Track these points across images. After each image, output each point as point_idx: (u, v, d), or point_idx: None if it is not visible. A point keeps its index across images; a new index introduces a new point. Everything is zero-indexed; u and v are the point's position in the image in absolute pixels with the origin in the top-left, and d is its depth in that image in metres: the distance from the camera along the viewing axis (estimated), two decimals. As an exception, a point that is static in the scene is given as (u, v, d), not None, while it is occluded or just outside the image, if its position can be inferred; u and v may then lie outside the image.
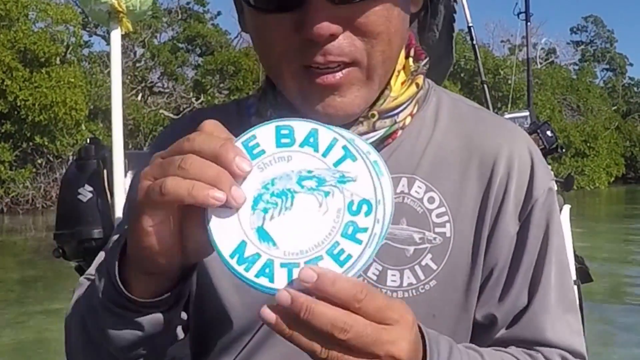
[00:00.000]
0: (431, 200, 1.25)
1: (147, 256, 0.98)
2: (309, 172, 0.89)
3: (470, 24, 5.45)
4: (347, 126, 1.14)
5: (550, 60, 65.96)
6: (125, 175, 2.96)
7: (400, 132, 1.27)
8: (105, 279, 1.06)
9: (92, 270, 1.37)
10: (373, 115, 1.21)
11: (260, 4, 1.11)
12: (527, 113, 4.44)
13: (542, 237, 1.27)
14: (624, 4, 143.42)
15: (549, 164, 4.36)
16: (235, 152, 0.87)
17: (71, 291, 1.34)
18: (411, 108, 1.27)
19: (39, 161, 29.61)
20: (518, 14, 5.74)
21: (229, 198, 0.86)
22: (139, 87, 40.54)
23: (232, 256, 0.87)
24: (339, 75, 1.12)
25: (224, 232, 0.88)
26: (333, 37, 1.08)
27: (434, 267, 1.23)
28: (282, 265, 0.86)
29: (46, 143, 28.37)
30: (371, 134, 1.21)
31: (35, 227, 24.41)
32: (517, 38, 43.78)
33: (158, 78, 42.92)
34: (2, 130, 28.05)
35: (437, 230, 1.24)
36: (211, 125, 0.94)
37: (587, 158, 51.02)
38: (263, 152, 0.89)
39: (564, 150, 4.37)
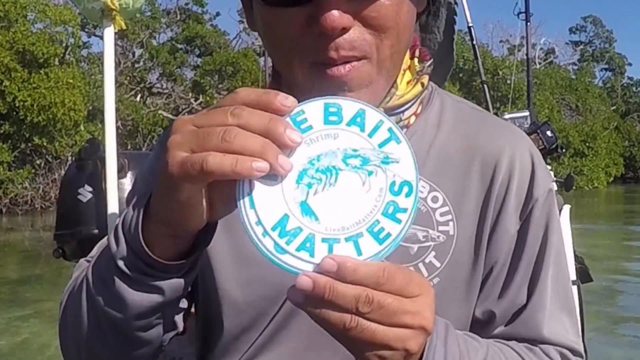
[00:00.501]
0: (435, 199, 1.28)
1: (178, 222, 0.98)
2: (355, 150, 0.91)
3: (470, 24, 5.52)
4: None
5: (549, 60, 66.04)
6: (125, 176, 2.96)
7: (404, 130, 1.28)
8: (125, 245, 1.05)
9: (93, 253, 1.37)
10: None
11: None
12: (527, 113, 4.50)
13: (542, 237, 1.30)
14: (623, 4, 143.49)
15: (548, 164, 4.36)
16: (284, 125, 0.88)
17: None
18: (416, 107, 1.31)
19: (38, 162, 29.58)
20: (518, 14, 5.81)
21: (276, 166, 0.86)
22: (138, 88, 40.52)
23: (273, 229, 0.88)
24: (348, 67, 1.12)
25: (267, 204, 0.89)
26: (344, 30, 1.09)
27: (438, 264, 1.26)
28: (324, 240, 0.88)
29: (45, 144, 28.33)
30: None
31: (34, 228, 24.39)
32: (516, 38, 43.82)
33: (157, 79, 42.91)
34: (1, 131, 27.99)
35: (441, 228, 1.27)
36: (249, 93, 0.92)
37: (585, 158, 50.97)
38: (310, 127, 0.91)
39: (563, 150, 4.41)
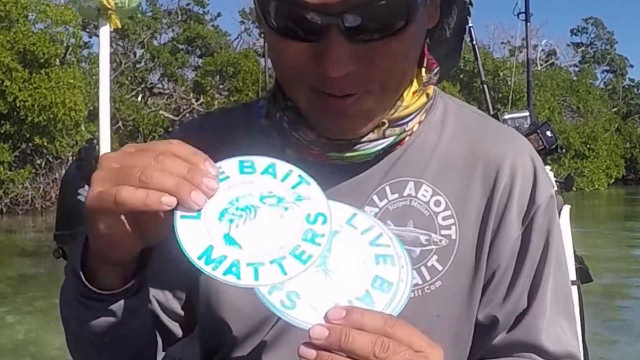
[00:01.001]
0: (437, 203, 1.28)
1: (107, 251, 1.05)
2: (270, 192, 0.99)
3: (470, 25, 5.44)
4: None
5: (551, 61, 65.89)
6: None
7: (407, 138, 1.29)
8: (73, 275, 1.12)
9: None
10: (383, 124, 1.23)
11: (282, 29, 1.11)
12: (526, 113, 4.47)
13: (544, 242, 1.30)
14: (624, 5, 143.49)
15: (547, 164, 4.36)
16: (202, 174, 0.94)
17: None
18: (420, 117, 1.30)
19: (39, 162, 29.61)
20: (518, 14, 5.78)
21: (189, 202, 0.92)
22: (139, 88, 40.52)
23: (199, 258, 0.91)
24: (348, 101, 1.13)
25: (192, 238, 0.93)
26: (349, 74, 1.09)
27: (440, 268, 1.26)
28: (248, 264, 0.92)
29: (45, 144, 28.33)
30: (380, 141, 1.24)
31: (35, 228, 24.39)
32: (517, 39, 43.79)
33: (158, 79, 42.91)
34: (2, 131, 28.00)
35: (443, 232, 1.27)
36: (181, 148, 0.97)
37: (586, 159, 50.95)
38: (227, 177, 0.99)
39: (563, 150, 4.40)
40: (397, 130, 1.25)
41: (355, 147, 1.23)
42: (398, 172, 1.29)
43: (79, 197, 3.08)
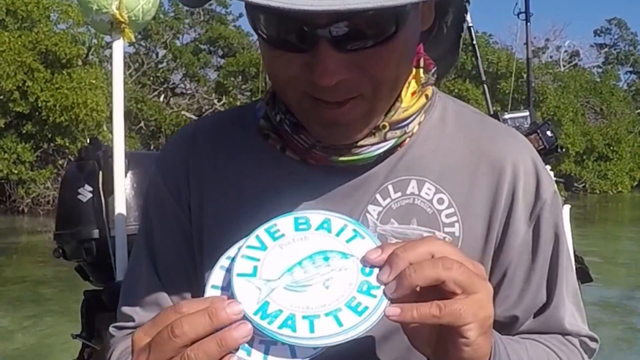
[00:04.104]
0: (440, 201, 1.30)
1: None
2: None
3: (470, 24, 5.55)
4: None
5: (574, 63, 65.72)
6: (125, 176, 2.97)
7: (408, 140, 1.31)
8: None
9: (125, 309, 1.44)
10: (384, 127, 1.25)
11: (272, 39, 1.12)
12: (527, 113, 4.50)
13: (554, 236, 1.35)
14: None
15: (548, 163, 4.38)
16: (223, 311, 0.92)
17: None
18: (420, 118, 1.31)
19: (60, 162, 29.71)
20: (518, 14, 5.79)
21: (239, 342, 0.91)
22: (161, 89, 40.77)
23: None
24: (343, 109, 1.14)
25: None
26: (340, 81, 1.09)
27: None
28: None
29: (67, 144, 28.43)
30: (382, 144, 1.26)
31: (56, 228, 24.46)
32: (541, 40, 43.63)
33: (180, 79, 43.16)
34: (23, 131, 28.16)
35: (447, 229, 1.30)
36: (187, 308, 0.95)
37: (610, 162, 50.64)
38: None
39: (563, 150, 4.45)
40: (398, 132, 1.27)
41: (357, 151, 1.25)
42: (400, 171, 1.31)
43: (79, 197, 3.06)
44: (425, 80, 1.31)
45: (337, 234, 1.01)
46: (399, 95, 1.25)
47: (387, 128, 1.25)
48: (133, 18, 2.84)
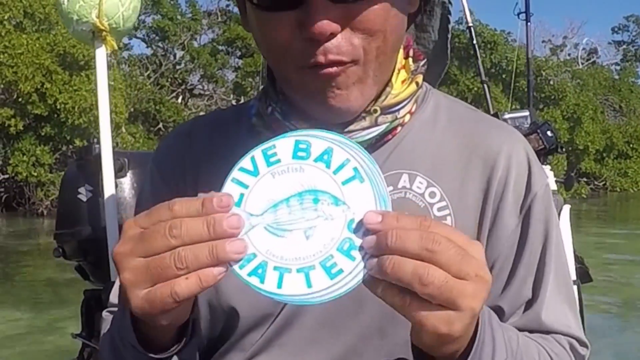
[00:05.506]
0: (432, 194, 1.32)
1: (163, 326, 1.03)
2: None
3: (470, 24, 5.74)
4: (350, 121, 1.26)
5: (592, 60, 65.33)
6: (125, 175, 3.00)
7: (399, 129, 1.34)
8: (126, 345, 1.12)
9: (112, 299, 1.49)
10: (375, 111, 1.28)
11: (263, 1, 1.17)
12: (527, 113, 4.50)
13: (543, 231, 1.34)
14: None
15: (548, 164, 4.41)
16: (221, 221, 0.91)
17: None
18: (410, 106, 1.34)
19: (79, 164, 29.88)
20: (518, 14, 5.81)
21: (233, 257, 0.90)
22: (179, 90, 40.91)
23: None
24: (336, 68, 1.16)
25: None
26: (332, 35, 1.13)
27: None
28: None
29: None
30: (373, 129, 1.28)
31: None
32: (559, 38, 43.37)
33: (198, 80, 43.35)
34: (42, 133, 28.26)
35: None
36: (180, 206, 0.94)
37: (630, 159, 50.46)
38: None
39: (563, 149, 4.46)
40: (389, 117, 1.30)
41: (349, 136, 1.24)
42: (392, 165, 1.33)
43: (79, 197, 3.11)
44: (414, 68, 1.36)
45: (335, 171, 0.94)
46: (390, 80, 1.30)
47: (378, 112, 1.28)
48: (114, 25, 2.87)
